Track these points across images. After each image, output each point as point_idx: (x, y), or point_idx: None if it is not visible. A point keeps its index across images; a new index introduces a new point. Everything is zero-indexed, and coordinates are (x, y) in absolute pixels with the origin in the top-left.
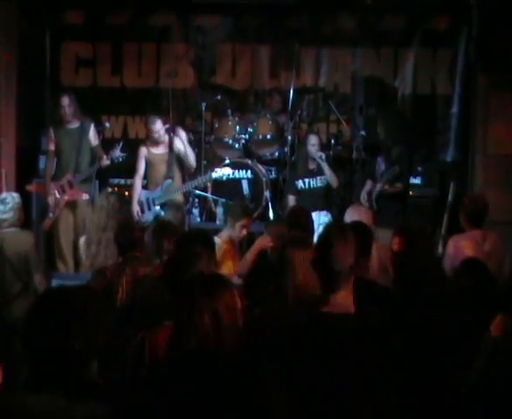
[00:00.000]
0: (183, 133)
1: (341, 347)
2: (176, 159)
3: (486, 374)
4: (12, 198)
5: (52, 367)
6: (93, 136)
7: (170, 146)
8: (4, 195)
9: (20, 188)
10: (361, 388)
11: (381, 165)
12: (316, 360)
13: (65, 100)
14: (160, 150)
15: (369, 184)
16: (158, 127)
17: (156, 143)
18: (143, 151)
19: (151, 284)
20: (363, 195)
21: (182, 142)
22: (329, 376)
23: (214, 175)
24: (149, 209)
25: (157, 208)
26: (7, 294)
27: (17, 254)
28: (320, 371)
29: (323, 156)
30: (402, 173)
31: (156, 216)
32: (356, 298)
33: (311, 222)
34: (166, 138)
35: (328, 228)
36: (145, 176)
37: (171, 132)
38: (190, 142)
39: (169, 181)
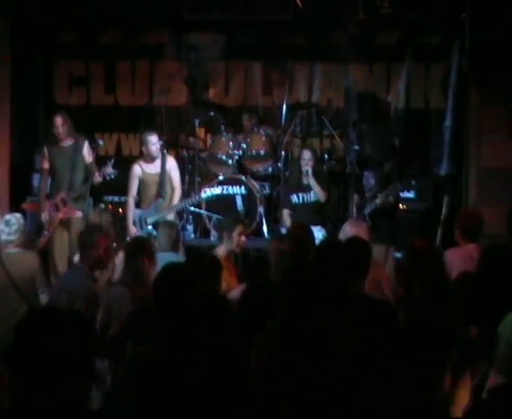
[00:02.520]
0: (172, 161)
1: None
2: (168, 178)
3: None
4: (17, 219)
5: (44, 397)
6: (87, 153)
7: (163, 164)
8: (8, 216)
9: (14, 207)
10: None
11: (370, 180)
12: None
13: (59, 120)
14: (153, 169)
15: (355, 199)
16: (155, 139)
17: (151, 159)
18: (136, 170)
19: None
20: (352, 210)
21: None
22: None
23: (203, 195)
24: (142, 228)
25: (149, 227)
26: (12, 317)
27: (23, 276)
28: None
29: (309, 171)
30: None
31: (149, 236)
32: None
33: (313, 237)
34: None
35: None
36: (138, 194)
37: (164, 149)
38: (184, 160)
39: (160, 200)
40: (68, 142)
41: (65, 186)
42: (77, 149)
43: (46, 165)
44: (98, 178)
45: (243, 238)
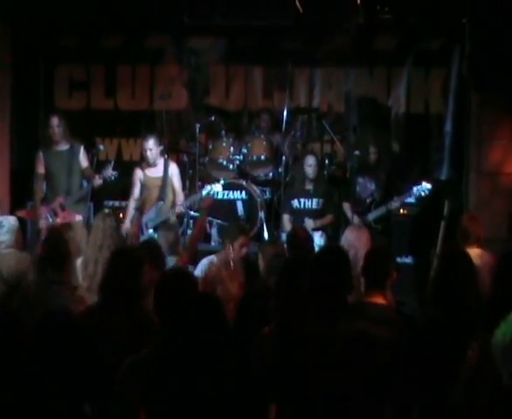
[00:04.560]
0: (174, 166)
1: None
2: (170, 183)
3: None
4: (8, 221)
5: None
6: (83, 158)
7: (165, 169)
8: (0, 218)
9: (15, 212)
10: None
11: (369, 185)
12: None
13: (55, 121)
14: (154, 173)
15: (346, 207)
16: (150, 144)
17: (150, 164)
18: (138, 174)
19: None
20: (352, 218)
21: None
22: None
23: (204, 192)
24: (143, 233)
25: (151, 231)
26: None
27: (13, 274)
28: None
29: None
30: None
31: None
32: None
33: (311, 242)
34: (160, 160)
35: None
36: (139, 198)
37: (166, 154)
38: (184, 165)
39: (160, 203)
40: (64, 146)
41: (62, 190)
42: (73, 153)
43: (42, 170)
44: (98, 181)
45: (244, 250)
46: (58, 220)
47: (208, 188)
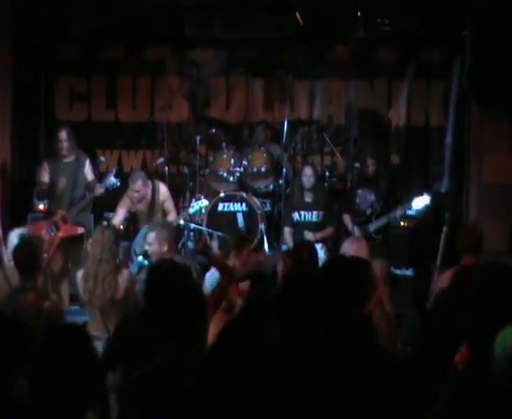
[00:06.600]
0: (164, 189)
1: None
2: (160, 209)
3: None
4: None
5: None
6: (88, 171)
7: (153, 197)
8: (19, 231)
9: (15, 222)
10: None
11: (368, 197)
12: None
13: (63, 135)
14: (143, 204)
15: (347, 218)
16: (138, 186)
17: (139, 201)
18: (127, 203)
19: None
20: (353, 229)
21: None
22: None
23: (191, 210)
24: (132, 260)
25: (140, 258)
26: None
27: None
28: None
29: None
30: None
31: (141, 267)
32: None
33: (315, 255)
34: (148, 193)
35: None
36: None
37: (154, 179)
38: (185, 177)
39: (144, 228)
40: (69, 158)
41: (65, 204)
42: (78, 166)
43: (46, 178)
44: (99, 189)
45: (250, 258)
46: (60, 234)
47: (195, 205)
